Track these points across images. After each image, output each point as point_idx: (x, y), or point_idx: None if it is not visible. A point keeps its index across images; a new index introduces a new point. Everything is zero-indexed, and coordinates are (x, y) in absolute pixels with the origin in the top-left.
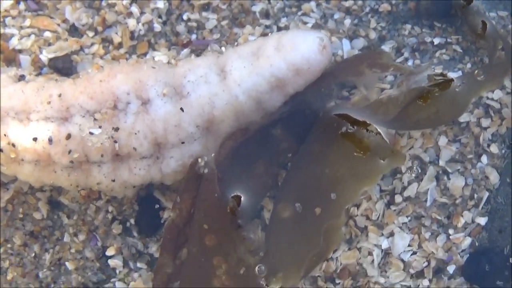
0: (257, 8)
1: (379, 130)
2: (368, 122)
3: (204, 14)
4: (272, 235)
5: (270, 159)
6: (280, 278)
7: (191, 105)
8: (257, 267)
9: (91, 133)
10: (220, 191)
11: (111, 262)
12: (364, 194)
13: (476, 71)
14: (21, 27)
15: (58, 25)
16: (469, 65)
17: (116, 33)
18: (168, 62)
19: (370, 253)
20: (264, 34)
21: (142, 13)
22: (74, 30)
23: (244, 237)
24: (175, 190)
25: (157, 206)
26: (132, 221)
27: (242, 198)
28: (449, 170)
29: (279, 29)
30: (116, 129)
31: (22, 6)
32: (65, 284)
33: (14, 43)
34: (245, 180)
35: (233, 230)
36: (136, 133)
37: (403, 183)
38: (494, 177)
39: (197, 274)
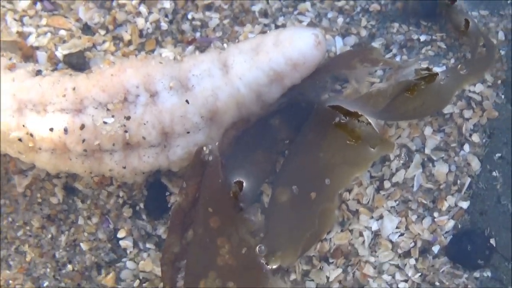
0: (256, 8)
1: (369, 120)
2: (359, 113)
3: (207, 13)
4: (271, 217)
5: (269, 147)
6: (279, 257)
7: (195, 97)
8: (257, 247)
9: (105, 122)
10: (223, 177)
11: (122, 243)
12: (355, 180)
13: (459, 66)
14: (38, 26)
15: (72, 24)
16: (452, 60)
17: (126, 31)
18: (174, 58)
19: (361, 235)
20: (263, 32)
21: (150, 12)
22: (87, 29)
23: (245, 219)
24: (181, 176)
25: (167, 193)
26: (141, 205)
27: (244, 184)
28: (434, 158)
29: (277, 27)
30: (128, 118)
31: (38, 6)
32: (80, 264)
33: (32, 40)
34: (246, 166)
35: (235, 213)
36: (145, 124)
37: (391, 169)
38: (475, 164)
39: (202, 253)
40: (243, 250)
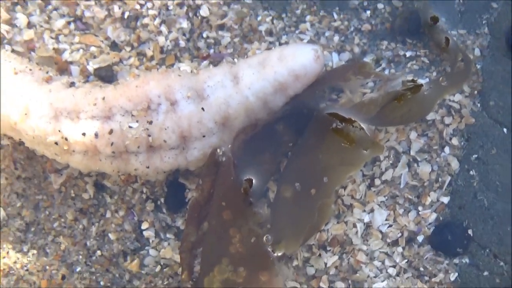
0: (263, 27)
1: (362, 126)
2: (353, 119)
3: (220, 32)
4: (276, 211)
5: (274, 149)
6: (283, 246)
7: (210, 105)
8: (264, 237)
9: (130, 127)
10: (235, 175)
11: (145, 233)
12: (350, 178)
13: (440, 78)
14: (72, 43)
15: (102, 41)
16: (435, 74)
17: (149, 48)
18: (191, 71)
19: (354, 226)
20: (268, 48)
21: (169, 32)
22: (114, 46)
23: (254, 212)
24: (198, 175)
25: (185, 190)
26: (162, 200)
27: (253, 181)
28: (418, 159)
29: (281, 44)
30: (150, 122)
31: (72, 26)
32: (108, 251)
33: (66, 56)
34: (254, 166)
35: (245, 207)
36: (166, 129)
37: (381, 169)
38: (455, 164)
39: (216, 242)
40: (252, 240)
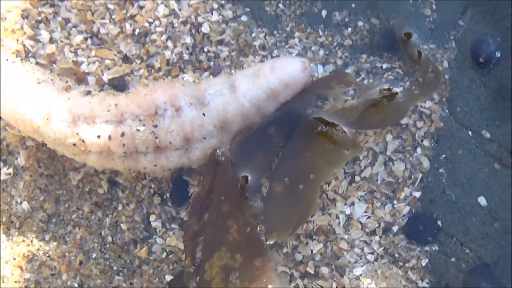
0: (257, 43)
1: (344, 129)
2: (336, 123)
3: (219, 47)
4: (269, 204)
5: (267, 150)
6: (275, 235)
7: (210, 111)
8: (258, 227)
9: (138, 130)
10: (232, 172)
11: (153, 224)
12: (333, 175)
13: (413, 87)
14: (89, 56)
15: (115, 55)
16: (408, 83)
17: (156, 61)
18: (194, 81)
19: (337, 217)
20: (261, 61)
21: (175, 46)
22: (126, 59)
23: (249, 205)
24: (199, 172)
25: (189, 186)
26: (168, 194)
27: (248, 178)
28: (394, 158)
29: (272, 57)
30: (155, 126)
31: (89, 41)
32: (120, 240)
33: (84, 67)
34: (249, 165)
35: (241, 201)
36: (171, 132)
37: (360, 167)
38: (425, 163)
39: (216, 232)
40: (247, 229)
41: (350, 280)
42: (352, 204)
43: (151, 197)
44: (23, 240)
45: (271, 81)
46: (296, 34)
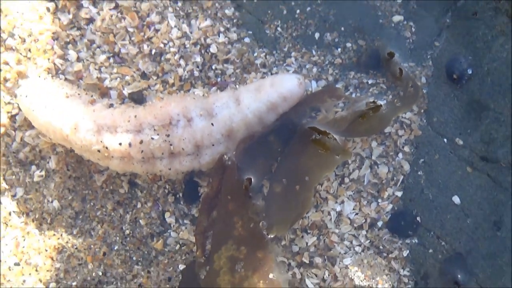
0: (258, 61)
1: (335, 137)
2: (328, 132)
3: (225, 65)
4: (269, 203)
5: (267, 155)
6: (275, 230)
7: (218, 121)
8: (260, 223)
9: (152, 138)
10: (237, 175)
11: (167, 220)
12: (325, 177)
13: (395, 100)
14: (111, 73)
15: (134, 72)
16: (390, 96)
17: (171, 77)
18: (203, 95)
19: (329, 214)
20: (262, 77)
21: (186, 64)
22: (144, 75)
23: (252, 204)
24: (208, 175)
25: (199, 187)
26: (181, 194)
27: (251, 180)
28: (378, 162)
29: (272, 74)
30: (168, 135)
31: (111, 60)
32: (139, 234)
33: (107, 83)
34: (252, 168)
35: (246, 200)
36: (183, 139)
37: (349, 170)
38: (406, 167)
39: (223, 227)
40: (251, 225)
41: (340, 269)
42: (342, 202)
43: (166, 196)
44: (54, 234)
45: (271, 95)
46: (293, 53)
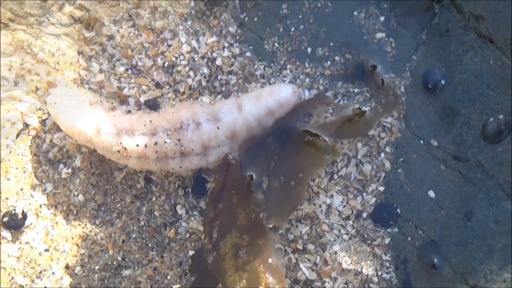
0: (258, 73)
1: (325, 139)
2: (319, 134)
3: (229, 76)
4: (268, 196)
5: (266, 154)
6: (273, 220)
7: (223, 125)
8: (261, 214)
9: (165, 142)
10: (240, 172)
11: (179, 211)
12: (317, 174)
13: (377, 107)
14: (129, 83)
15: (149, 82)
16: (374, 103)
17: (181, 87)
18: (210, 102)
19: (320, 206)
20: (262, 86)
21: (195, 75)
22: (158, 85)
23: (254, 197)
24: (215, 172)
25: (207, 182)
26: (190, 189)
27: (253, 176)
28: (363, 161)
29: (270, 84)
30: (179, 140)
31: (130, 71)
32: (154, 223)
33: (126, 91)
34: (253, 166)
35: (248, 194)
36: (193, 141)
37: (338, 168)
38: (388, 165)
39: (228, 217)
40: (252, 216)
41: (330, 254)
42: (332, 196)
43: (177, 191)
44: (79, 224)
45: (269, 102)
46: (288, 66)
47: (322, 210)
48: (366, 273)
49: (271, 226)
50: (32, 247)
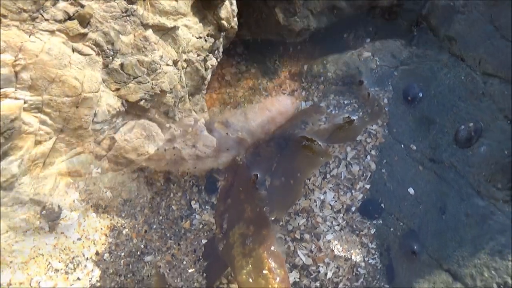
0: (261, 87)
1: (319, 143)
2: (314, 140)
3: (236, 89)
4: (271, 193)
5: (269, 157)
6: (275, 213)
7: (231, 132)
8: (264, 208)
9: (183, 148)
10: (247, 172)
11: (193, 206)
12: (312, 174)
13: (364, 116)
14: None
15: None
16: (361, 113)
17: None
18: (220, 112)
19: (315, 201)
20: (265, 98)
21: None
22: None
23: (258, 194)
24: (225, 172)
25: (218, 181)
26: (203, 186)
27: (257, 175)
28: (352, 162)
29: (271, 96)
30: (194, 145)
31: None
32: (172, 216)
33: None
34: (258, 167)
35: (253, 191)
36: (206, 146)
37: (330, 168)
38: (373, 166)
39: (236, 211)
40: (257, 210)
41: (324, 243)
42: (325, 192)
43: (191, 188)
44: (107, 217)
45: (271, 111)
46: (287, 81)
47: (316, 205)
48: (355, 259)
49: (273, 218)
50: (66, 237)
